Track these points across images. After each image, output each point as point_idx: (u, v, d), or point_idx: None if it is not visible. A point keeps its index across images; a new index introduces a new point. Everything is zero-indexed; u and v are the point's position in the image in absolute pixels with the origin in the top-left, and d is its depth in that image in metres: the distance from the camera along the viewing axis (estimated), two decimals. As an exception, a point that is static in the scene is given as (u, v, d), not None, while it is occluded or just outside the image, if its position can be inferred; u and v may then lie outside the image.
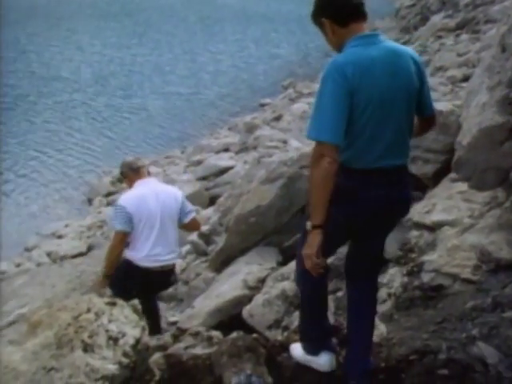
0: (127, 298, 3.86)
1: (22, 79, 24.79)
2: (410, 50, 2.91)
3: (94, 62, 27.46)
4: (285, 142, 12.47)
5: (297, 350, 3.30)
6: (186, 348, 4.03)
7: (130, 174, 5.05)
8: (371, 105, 2.65)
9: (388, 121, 2.73)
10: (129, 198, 4.86)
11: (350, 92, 2.59)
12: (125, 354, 3.34)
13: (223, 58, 27.19)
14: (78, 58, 28.27)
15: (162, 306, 6.93)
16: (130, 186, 5.06)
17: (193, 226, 5.36)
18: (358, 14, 2.77)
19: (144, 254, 4.84)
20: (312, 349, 3.17)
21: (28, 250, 12.24)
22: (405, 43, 18.23)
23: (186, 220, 5.12)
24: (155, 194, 4.90)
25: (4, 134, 18.90)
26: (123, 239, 4.82)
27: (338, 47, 2.81)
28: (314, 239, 2.64)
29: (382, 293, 4.08)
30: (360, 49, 2.69)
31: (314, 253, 2.63)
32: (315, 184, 2.61)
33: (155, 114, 20.43)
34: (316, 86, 17.57)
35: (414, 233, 4.69)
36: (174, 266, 5.18)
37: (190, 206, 5.23)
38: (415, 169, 5.37)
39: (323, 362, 3.14)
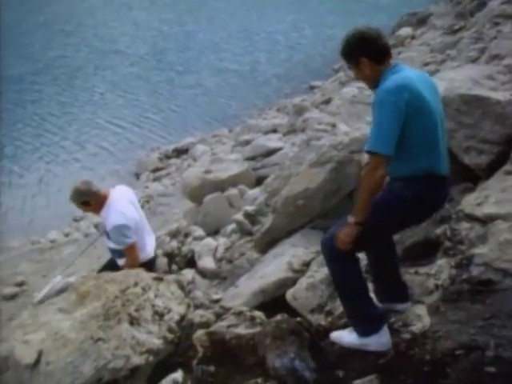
0: None
1: (79, 52, 25.23)
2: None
3: (150, 38, 27.67)
4: (333, 125, 12.32)
5: (347, 337, 3.35)
6: (229, 327, 4.06)
7: (95, 197, 5.01)
8: (425, 114, 3.15)
9: (439, 126, 3.25)
10: (121, 214, 4.93)
11: (405, 109, 3.05)
12: (170, 330, 3.39)
13: (278, 38, 26.99)
14: (134, 33, 28.53)
15: (204, 282, 7.01)
16: (99, 207, 5.06)
17: None
18: (390, 52, 3.32)
19: (148, 249, 5.23)
20: (369, 328, 3.26)
21: (76, 220, 12.52)
22: (460, 29, 17.77)
23: None
24: (126, 199, 5.14)
25: (62, 106, 19.31)
26: (138, 248, 5.02)
27: (373, 81, 3.33)
28: (353, 233, 3.11)
29: (429, 284, 4.01)
30: (400, 74, 3.20)
31: (349, 243, 3.12)
32: (367, 190, 3.10)
33: (209, 90, 20.51)
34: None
35: (465, 224, 4.57)
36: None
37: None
38: (468, 159, 5.23)
39: (384, 340, 3.25)
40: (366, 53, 3.26)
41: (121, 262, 5.08)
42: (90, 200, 4.99)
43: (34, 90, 20.84)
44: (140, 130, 17.57)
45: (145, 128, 17.72)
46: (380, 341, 3.24)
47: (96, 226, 11.55)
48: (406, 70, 3.28)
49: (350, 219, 3.14)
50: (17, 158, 16.19)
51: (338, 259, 3.25)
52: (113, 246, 5.09)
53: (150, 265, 5.14)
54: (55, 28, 29.42)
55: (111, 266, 5.05)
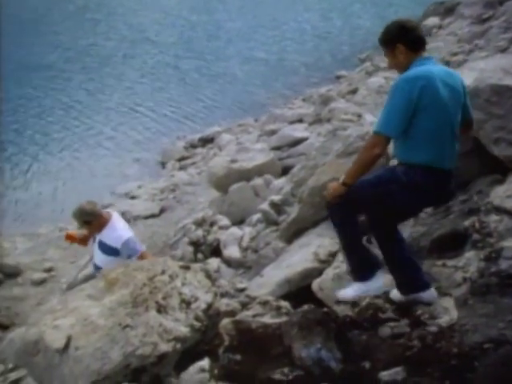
0: None
1: (109, 40, 25.38)
2: (457, 72, 3.87)
3: (179, 26, 27.71)
4: (359, 115, 12.27)
5: (349, 291, 3.87)
6: (255, 316, 4.08)
7: (98, 217, 5.24)
8: (437, 109, 3.39)
9: (448, 125, 3.50)
10: (127, 230, 5.34)
11: (417, 98, 3.34)
12: (197, 318, 3.41)
13: (306, 27, 26.83)
14: (163, 21, 28.59)
15: (229, 271, 7.04)
16: (99, 227, 5.28)
17: None
18: (425, 44, 3.65)
19: None
20: (367, 272, 3.78)
21: (103, 208, 12.60)
22: (488, 19, 17.46)
23: None
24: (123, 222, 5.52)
25: (91, 93, 19.49)
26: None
27: (403, 68, 3.59)
28: (339, 190, 3.53)
29: (457, 276, 3.97)
30: (424, 66, 3.49)
31: (334, 196, 3.57)
32: (361, 162, 3.49)
33: (237, 79, 20.52)
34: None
35: (494, 217, 4.51)
36: None
37: None
38: (497, 150, 5.13)
39: (380, 284, 3.79)
40: (404, 40, 3.56)
41: None
42: (93, 220, 5.21)
43: (64, 78, 21.06)
44: (167, 119, 17.67)
45: (172, 116, 17.81)
46: (376, 285, 3.78)
47: (122, 214, 11.65)
48: (434, 64, 3.58)
49: (341, 179, 3.56)
50: (46, 146, 16.38)
51: (342, 214, 3.65)
52: (111, 265, 5.24)
53: None
54: (85, 17, 29.64)
55: None
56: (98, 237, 5.31)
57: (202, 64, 22.37)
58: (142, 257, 5.19)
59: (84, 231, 5.60)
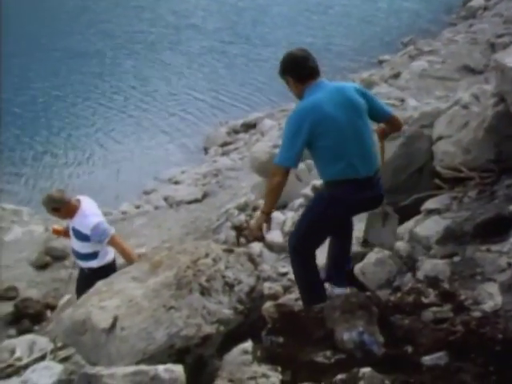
0: None
1: (154, 27, 25.43)
2: (350, 83, 4.34)
3: (224, 12, 27.55)
4: (402, 100, 12.11)
5: None
6: (297, 299, 4.11)
7: (66, 205, 5.38)
8: (332, 131, 3.72)
9: (351, 139, 3.78)
10: (95, 215, 5.44)
11: (309, 129, 3.69)
12: (239, 301, 3.45)
13: (352, 11, 26.40)
14: (208, 7, 28.44)
15: (271, 256, 7.07)
16: (68, 214, 5.45)
17: None
18: (314, 74, 3.89)
19: (111, 254, 5.64)
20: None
21: (147, 193, 12.81)
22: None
23: None
24: (95, 206, 5.63)
25: (138, 80, 19.67)
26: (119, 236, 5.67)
27: (299, 96, 3.95)
28: (261, 219, 3.95)
29: (502, 261, 3.92)
30: (314, 95, 3.80)
31: (259, 229, 3.97)
32: (268, 191, 3.95)
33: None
34: (438, 44, 16.85)
35: (541, 200, 4.44)
36: None
37: None
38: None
39: None
40: (292, 74, 3.91)
41: (93, 263, 5.48)
42: (61, 207, 5.38)
43: (112, 65, 21.30)
44: (213, 104, 17.66)
45: (218, 102, 17.79)
46: None
47: (166, 199, 11.80)
48: (322, 90, 3.82)
49: (261, 208, 4.04)
50: (91, 131, 16.60)
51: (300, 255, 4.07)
52: (86, 249, 5.47)
53: (112, 266, 5.59)
54: (131, 4, 29.72)
55: (85, 283, 5.11)
56: (71, 224, 5.50)
57: (249, 49, 22.26)
58: (112, 240, 5.38)
59: (65, 225, 5.81)
